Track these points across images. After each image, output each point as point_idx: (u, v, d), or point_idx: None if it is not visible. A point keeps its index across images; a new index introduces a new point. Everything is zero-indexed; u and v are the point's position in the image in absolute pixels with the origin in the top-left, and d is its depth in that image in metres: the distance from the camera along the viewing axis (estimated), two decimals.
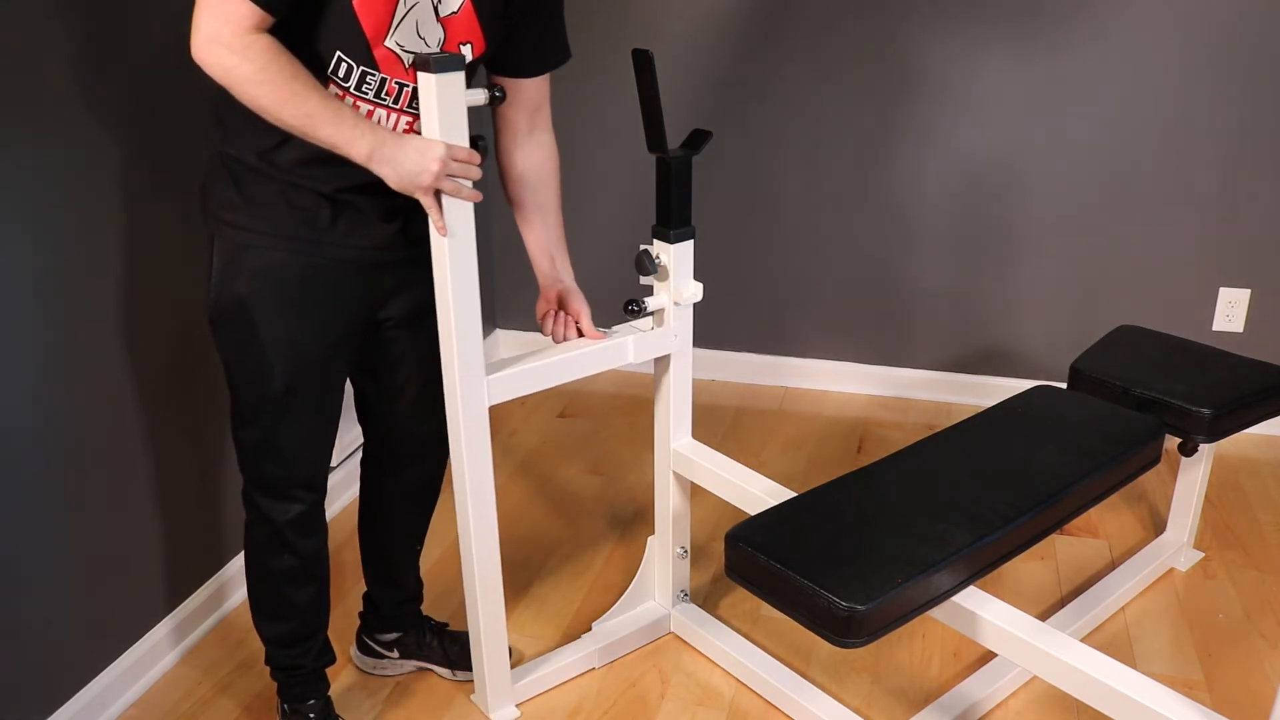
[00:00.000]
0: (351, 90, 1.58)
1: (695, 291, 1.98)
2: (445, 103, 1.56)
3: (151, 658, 2.12)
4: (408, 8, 1.55)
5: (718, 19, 3.10)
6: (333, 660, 1.99)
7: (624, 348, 1.97)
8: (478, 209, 1.66)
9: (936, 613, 1.65)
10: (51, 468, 1.86)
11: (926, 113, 3.05)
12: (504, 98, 1.64)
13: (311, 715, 1.95)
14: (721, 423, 3.19)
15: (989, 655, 2.14)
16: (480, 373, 1.77)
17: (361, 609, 2.15)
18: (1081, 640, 1.82)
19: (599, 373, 1.96)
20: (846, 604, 1.48)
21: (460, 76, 1.57)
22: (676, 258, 1.95)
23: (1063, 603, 2.32)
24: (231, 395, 1.76)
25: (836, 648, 2.18)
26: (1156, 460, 1.98)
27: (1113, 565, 2.45)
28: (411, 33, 1.58)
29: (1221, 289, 3.02)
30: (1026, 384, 2.96)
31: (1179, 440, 2.21)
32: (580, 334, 1.94)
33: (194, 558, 2.24)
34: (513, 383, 1.84)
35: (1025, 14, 2.89)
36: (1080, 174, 3.00)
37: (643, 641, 2.23)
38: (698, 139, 1.93)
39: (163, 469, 2.12)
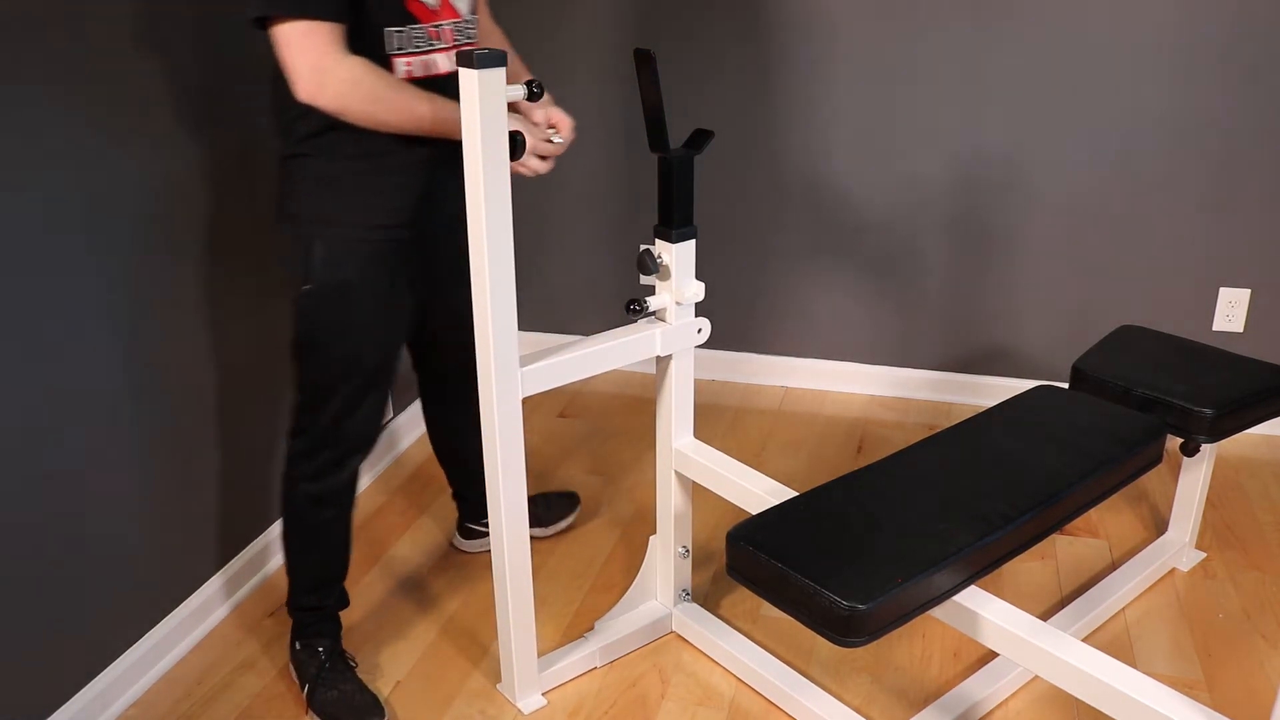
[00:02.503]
0: (409, 51, 1.77)
1: (697, 291, 1.98)
2: (487, 98, 1.60)
3: (153, 657, 2.12)
4: None
5: (719, 18, 3.10)
6: (347, 604, 2.17)
7: (651, 340, 1.99)
8: None
9: (937, 612, 1.65)
10: (65, 465, 1.86)
11: (927, 113, 3.06)
12: (541, 93, 1.68)
13: (321, 649, 2.08)
14: (721, 423, 3.19)
15: (989, 655, 2.14)
16: (515, 365, 1.80)
17: (456, 507, 2.49)
18: (1082, 640, 1.82)
19: (601, 373, 1.96)
20: (848, 603, 1.49)
21: (502, 73, 1.60)
22: (678, 257, 1.95)
23: (1063, 603, 2.33)
24: (312, 387, 1.93)
25: (837, 647, 2.19)
26: (1158, 460, 1.98)
27: (1113, 565, 2.45)
28: None
29: (1221, 289, 3.02)
30: (1027, 384, 2.96)
31: (1180, 440, 2.21)
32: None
33: (191, 560, 2.25)
34: (545, 374, 1.87)
35: (1027, 14, 2.89)
36: (1080, 174, 3.00)
37: (644, 641, 2.23)
38: (699, 139, 1.94)
39: (165, 471, 2.12)
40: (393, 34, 1.74)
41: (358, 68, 1.66)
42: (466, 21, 1.87)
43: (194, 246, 2.13)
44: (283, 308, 1.94)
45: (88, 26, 1.83)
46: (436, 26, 1.79)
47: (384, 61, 1.74)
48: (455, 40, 1.84)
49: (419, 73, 1.81)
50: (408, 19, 1.74)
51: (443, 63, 1.83)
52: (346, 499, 2.05)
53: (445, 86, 1.81)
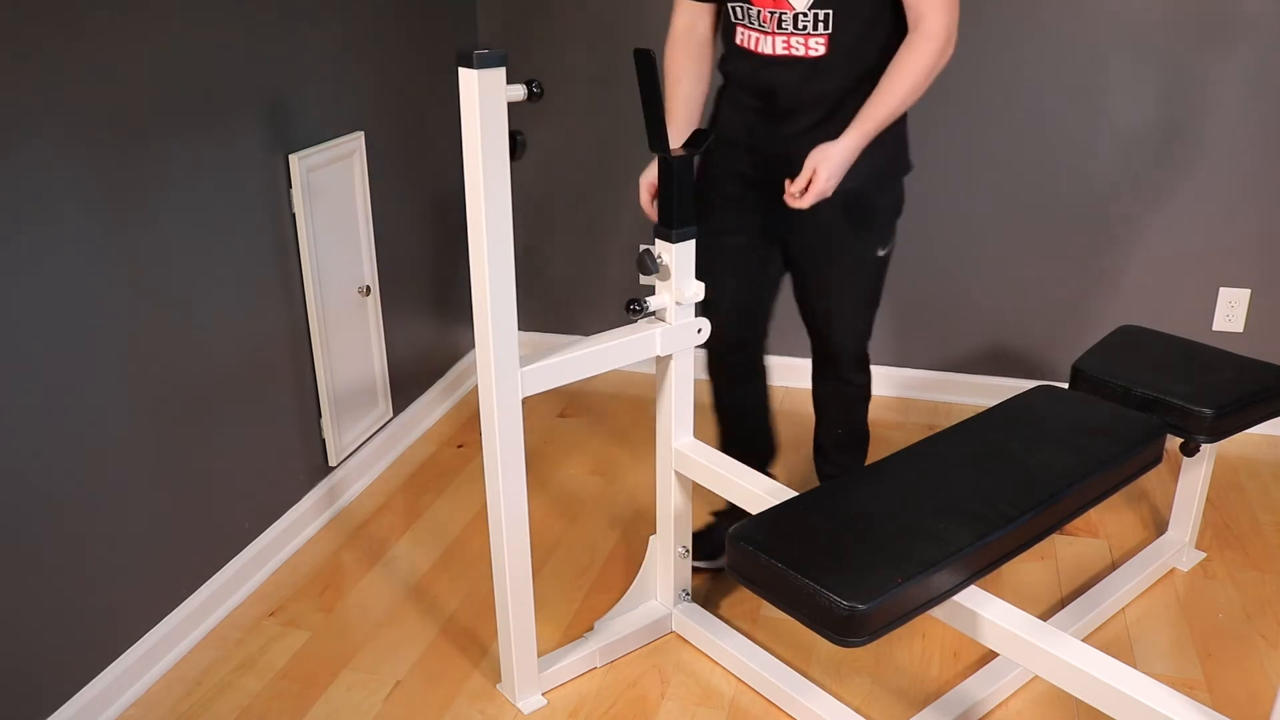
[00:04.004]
0: (744, 23, 2.06)
1: (697, 291, 1.98)
2: (486, 98, 1.60)
3: (153, 657, 2.12)
4: None
5: None
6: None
7: (651, 340, 1.99)
8: None
9: (937, 612, 1.65)
10: (64, 462, 1.86)
11: (925, 113, 3.05)
12: (542, 94, 1.71)
13: None
14: None
15: (989, 655, 2.14)
16: (515, 365, 1.80)
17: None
18: (1082, 640, 1.82)
19: (601, 373, 1.96)
20: (847, 603, 1.49)
21: (500, 73, 1.61)
22: (678, 257, 1.95)
23: (1063, 603, 2.33)
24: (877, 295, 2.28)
25: (837, 647, 2.19)
26: (1158, 460, 1.98)
27: (1113, 565, 2.45)
28: None
29: (1221, 289, 3.02)
30: (1027, 384, 2.96)
31: (1180, 440, 2.21)
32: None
33: (191, 559, 2.25)
34: (545, 375, 1.87)
35: (1026, 13, 2.89)
36: (1080, 174, 3.00)
37: (644, 641, 2.23)
38: (699, 139, 1.94)
39: (166, 470, 2.12)
40: (736, 6, 2.05)
41: (668, 44, 2.17)
42: (801, 15, 1.99)
43: None
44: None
45: None
46: (770, 12, 2.00)
47: (732, 27, 2.09)
48: (780, 29, 2.01)
49: (749, 45, 2.07)
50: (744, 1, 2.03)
51: (765, 45, 2.04)
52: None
53: (762, 68, 2.07)
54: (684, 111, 2.19)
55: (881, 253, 2.23)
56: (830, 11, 1.97)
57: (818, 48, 2.01)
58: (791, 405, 3.30)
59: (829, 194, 1.97)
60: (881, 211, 2.20)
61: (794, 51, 2.03)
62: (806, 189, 1.95)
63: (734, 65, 2.15)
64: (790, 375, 3.43)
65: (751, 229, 2.23)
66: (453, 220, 3.18)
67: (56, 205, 1.81)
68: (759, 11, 2.01)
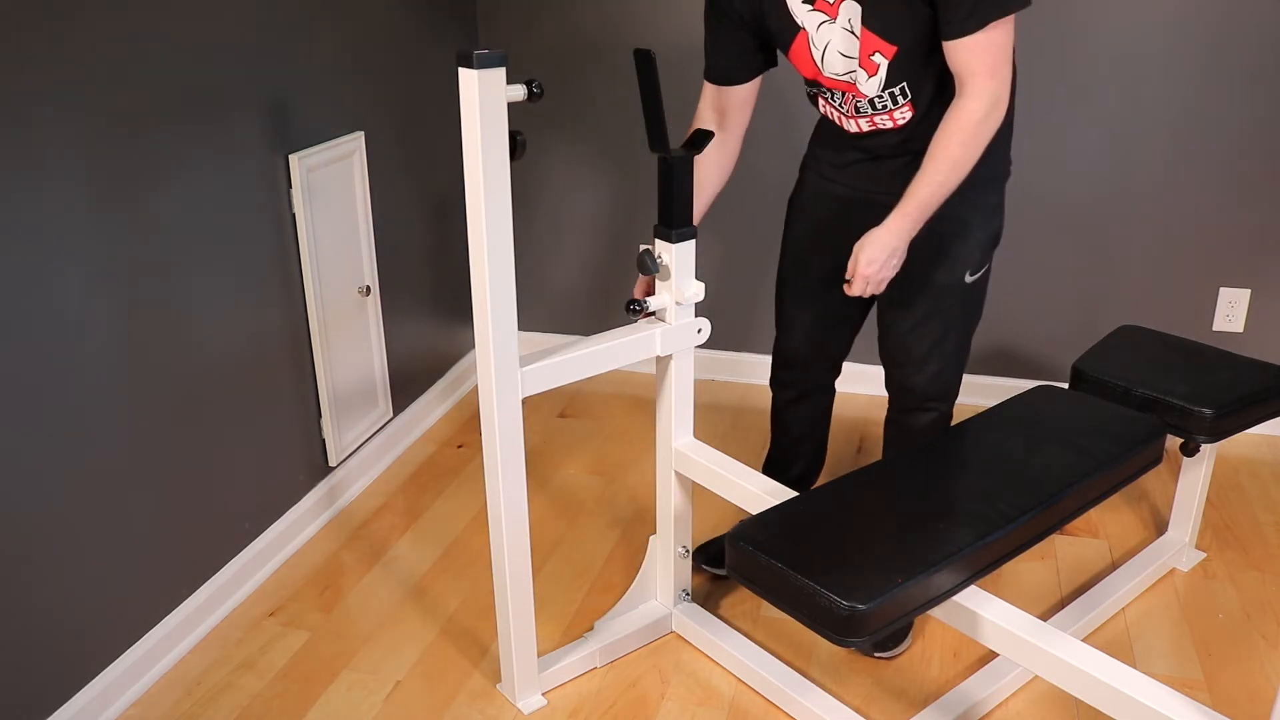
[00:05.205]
0: (825, 97, 2.03)
1: (697, 291, 1.98)
2: (486, 98, 1.60)
3: (153, 657, 2.12)
4: (821, 47, 1.92)
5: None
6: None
7: (651, 340, 1.98)
8: None
9: (937, 612, 1.65)
10: (63, 462, 1.86)
11: None
12: (542, 94, 1.70)
13: None
14: (721, 423, 3.19)
15: (989, 655, 2.14)
16: (515, 365, 1.80)
17: None
18: (1082, 640, 1.82)
19: (601, 373, 1.96)
20: (847, 603, 1.49)
21: (501, 73, 1.60)
22: (678, 257, 1.95)
23: (1063, 603, 2.33)
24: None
25: (837, 647, 2.19)
26: (1158, 460, 1.98)
27: (1113, 565, 2.45)
28: (837, 58, 1.92)
29: (1221, 289, 3.02)
30: (1027, 384, 2.96)
31: (1180, 440, 2.21)
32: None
33: (191, 559, 2.25)
34: (545, 375, 1.87)
35: (1025, 13, 2.88)
36: (1080, 174, 3.00)
37: (644, 641, 2.23)
38: (699, 139, 1.94)
39: (165, 469, 2.12)
40: (811, 90, 2.06)
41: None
42: (876, 99, 1.93)
43: None
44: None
45: None
46: (853, 96, 1.96)
47: (813, 96, 2.08)
48: (859, 112, 1.98)
49: (834, 120, 2.07)
50: (819, 87, 2.02)
51: (850, 125, 2.03)
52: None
53: (855, 138, 2.05)
54: (701, 204, 2.11)
55: (970, 278, 2.09)
56: (904, 84, 1.90)
57: (903, 116, 1.96)
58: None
59: (873, 279, 1.90)
60: (970, 228, 2.05)
61: (880, 126, 1.99)
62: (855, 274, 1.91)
63: (823, 122, 2.15)
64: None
65: (838, 252, 2.02)
66: (453, 220, 3.18)
67: (55, 204, 1.81)
68: (841, 94, 1.98)
